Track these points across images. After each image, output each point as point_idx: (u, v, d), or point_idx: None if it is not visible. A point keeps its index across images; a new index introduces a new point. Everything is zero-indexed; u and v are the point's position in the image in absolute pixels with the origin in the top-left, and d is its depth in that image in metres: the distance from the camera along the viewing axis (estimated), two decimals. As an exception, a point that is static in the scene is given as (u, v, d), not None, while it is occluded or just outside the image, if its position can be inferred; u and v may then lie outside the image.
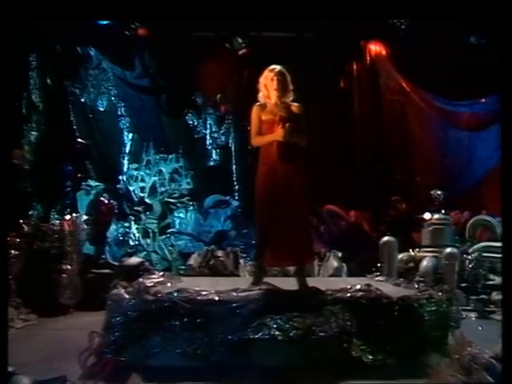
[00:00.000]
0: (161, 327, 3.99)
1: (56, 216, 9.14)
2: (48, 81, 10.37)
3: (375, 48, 11.20)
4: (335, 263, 8.66)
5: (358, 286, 4.30)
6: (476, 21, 8.53)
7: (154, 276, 5.10)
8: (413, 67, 10.49)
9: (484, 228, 8.68)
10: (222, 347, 3.93)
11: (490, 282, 7.40)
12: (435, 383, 3.82)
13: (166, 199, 10.77)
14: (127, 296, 4.12)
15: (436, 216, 8.42)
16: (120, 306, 4.07)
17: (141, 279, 4.69)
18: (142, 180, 10.85)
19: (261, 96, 4.69)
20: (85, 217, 8.51)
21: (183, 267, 9.13)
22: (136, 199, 10.78)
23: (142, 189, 10.81)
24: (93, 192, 10.02)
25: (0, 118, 3.51)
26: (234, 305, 4.01)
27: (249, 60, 10.37)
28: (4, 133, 3.47)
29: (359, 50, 11.12)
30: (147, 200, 10.76)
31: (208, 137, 11.22)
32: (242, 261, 8.82)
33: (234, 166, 11.07)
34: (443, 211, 8.59)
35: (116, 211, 10.04)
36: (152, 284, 4.43)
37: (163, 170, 10.88)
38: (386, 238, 8.09)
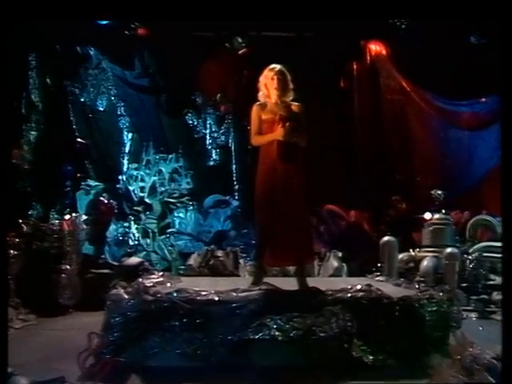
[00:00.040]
0: (160, 327, 3.97)
1: (55, 216, 9.15)
2: (48, 80, 10.38)
3: (375, 48, 11.19)
4: (335, 263, 8.65)
5: (359, 286, 4.28)
6: (476, 21, 8.54)
7: (153, 276, 5.09)
8: (413, 67, 10.49)
9: (484, 228, 8.67)
10: (222, 348, 3.92)
11: (491, 282, 7.39)
12: (436, 384, 3.81)
13: (165, 199, 10.76)
14: (126, 296, 4.10)
15: (436, 216, 8.41)
16: (119, 306, 4.05)
17: (140, 279, 4.68)
18: (142, 180, 10.84)
19: (261, 95, 4.67)
20: (84, 217, 8.51)
21: (183, 267, 9.12)
22: (136, 199, 10.77)
23: (142, 189, 10.80)
24: (92, 192, 10.02)
25: (-1, 118, 3.50)
26: (234, 305, 3.99)
27: (249, 60, 10.36)
28: (4, 133, 3.45)
29: (359, 49, 11.11)
30: (147, 200, 10.75)
31: (208, 136, 11.21)
32: (241, 261, 8.81)
33: (234, 166, 11.05)
34: (443, 211, 8.57)
35: (116, 211, 10.05)
36: (151, 284, 4.42)
37: (163, 169, 10.87)
38: (386, 238, 8.08)
